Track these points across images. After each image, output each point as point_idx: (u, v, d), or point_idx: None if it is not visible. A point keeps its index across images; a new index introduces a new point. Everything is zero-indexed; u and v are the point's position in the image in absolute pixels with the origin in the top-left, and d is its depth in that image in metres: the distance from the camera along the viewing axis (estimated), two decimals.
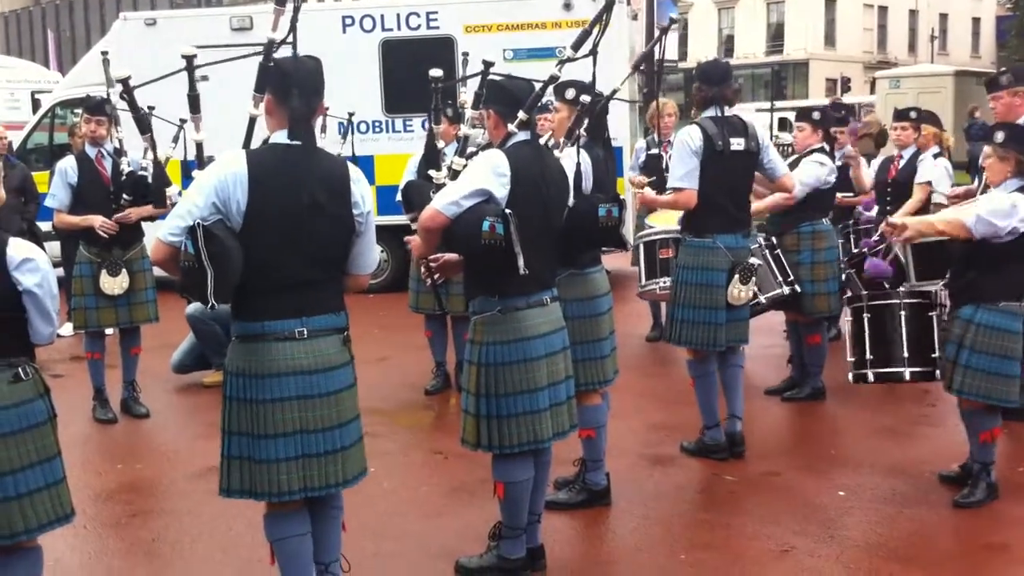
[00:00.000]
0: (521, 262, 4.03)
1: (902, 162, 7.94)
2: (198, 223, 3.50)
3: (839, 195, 8.13)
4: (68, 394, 7.04)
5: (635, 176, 9.17)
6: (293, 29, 4.00)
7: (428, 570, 4.68)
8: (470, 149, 5.47)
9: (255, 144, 3.91)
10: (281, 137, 3.72)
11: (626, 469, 5.86)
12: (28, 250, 3.63)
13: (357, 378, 3.89)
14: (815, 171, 6.97)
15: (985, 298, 5.12)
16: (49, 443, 3.70)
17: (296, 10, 4.14)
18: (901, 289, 6.13)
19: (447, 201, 4.17)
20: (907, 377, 5.86)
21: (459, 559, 4.65)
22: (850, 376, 6.04)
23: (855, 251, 7.37)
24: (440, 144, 6.74)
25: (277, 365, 3.66)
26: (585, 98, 4.91)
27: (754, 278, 5.90)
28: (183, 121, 7.45)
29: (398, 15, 11.86)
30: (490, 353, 4.28)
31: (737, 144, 5.75)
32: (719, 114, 5.81)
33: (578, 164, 4.79)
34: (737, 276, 5.76)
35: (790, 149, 8.34)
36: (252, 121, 4.05)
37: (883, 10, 56.40)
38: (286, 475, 3.67)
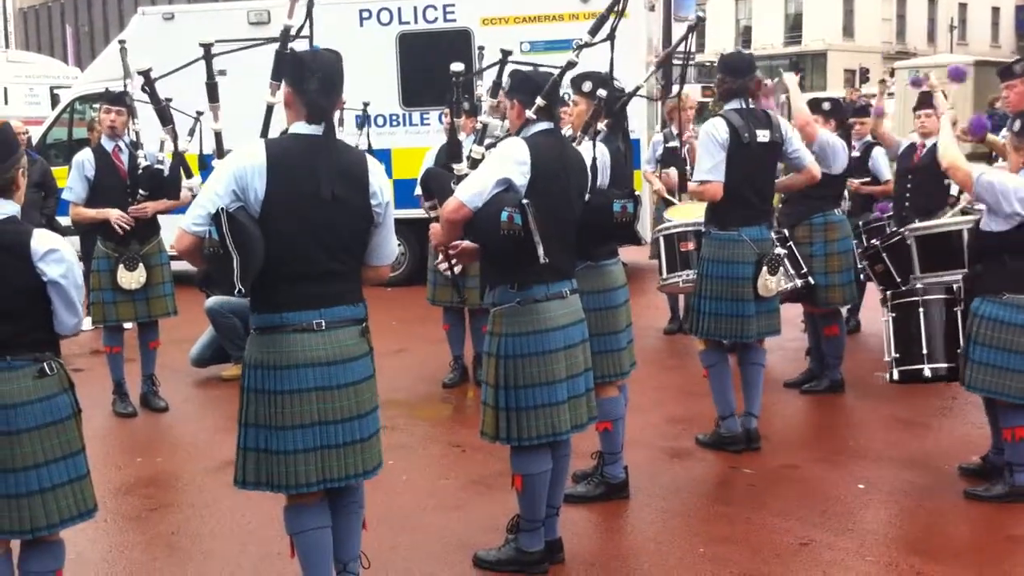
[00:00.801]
0: (541, 251, 4.03)
1: (924, 149, 7.88)
2: (222, 209, 3.51)
3: (855, 181, 8.10)
4: (88, 388, 7.04)
5: (650, 170, 9.14)
6: (309, 17, 4.00)
7: (446, 563, 4.69)
8: (488, 140, 5.46)
9: (273, 132, 3.91)
10: (300, 128, 3.72)
11: (644, 462, 5.85)
12: (53, 241, 3.65)
13: (376, 370, 3.90)
14: (832, 135, 6.88)
15: (990, 290, 5.08)
16: (73, 438, 3.72)
17: (310, 3, 4.14)
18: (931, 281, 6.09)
19: (471, 193, 4.17)
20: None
21: (477, 552, 4.66)
22: (895, 374, 5.89)
23: (868, 244, 7.33)
24: (463, 137, 6.73)
25: (295, 356, 3.67)
26: (602, 92, 4.90)
27: (782, 268, 5.88)
28: (199, 113, 7.46)
29: (415, 8, 11.86)
30: (509, 345, 4.28)
31: (763, 136, 5.73)
32: (743, 106, 5.78)
33: (594, 159, 4.78)
34: (765, 268, 5.75)
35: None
36: (269, 109, 4.06)
37: (901, 0, 56.05)
38: (304, 467, 3.68)
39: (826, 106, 7.22)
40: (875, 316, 6.40)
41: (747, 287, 5.75)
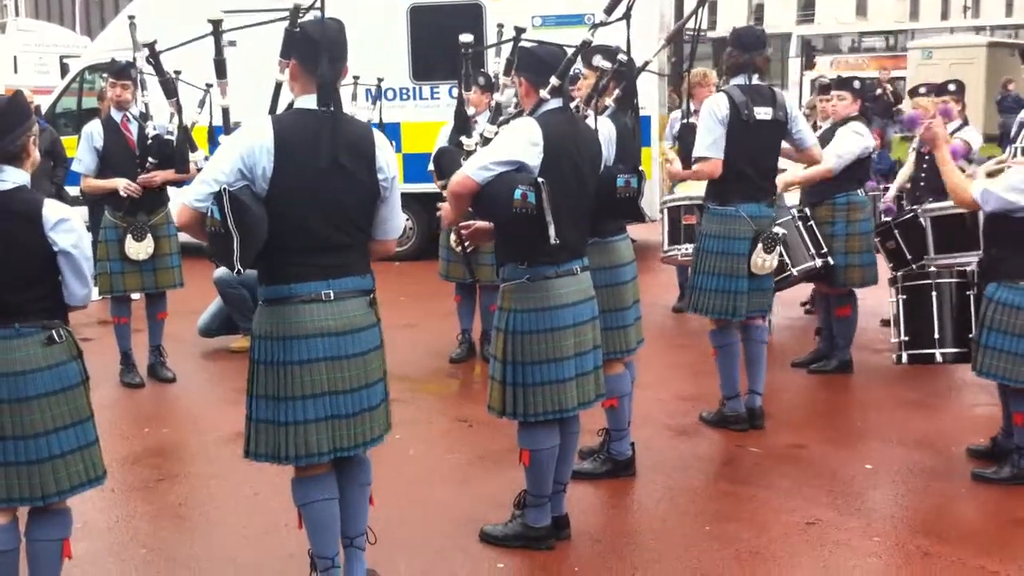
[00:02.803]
0: (552, 231, 4.01)
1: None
2: (225, 189, 3.51)
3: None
4: (95, 358, 7.03)
5: (668, 146, 9.10)
6: None
7: (453, 538, 4.69)
8: (502, 117, 5.43)
9: (281, 109, 3.89)
10: (306, 102, 3.70)
11: (651, 440, 5.85)
12: (63, 211, 3.65)
13: (384, 341, 3.89)
14: (854, 142, 6.87)
15: (1005, 276, 5.03)
16: (82, 405, 3.73)
17: None
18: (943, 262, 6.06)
19: (477, 166, 4.15)
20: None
21: (484, 527, 4.66)
22: (904, 356, 5.88)
23: (881, 221, 7.31)
24: (471, 111, 6.69)
25: (304, 327, 3.66)
26: (605, 63, 4.85)
27: (779, 247, 5.84)
28: (209, 86, 7.43)
29: None
30: (517, 320, 4.27)
31: (764, 113, 5.68)
32: (747, 82, 5.74)
33: (595, 132, 4.73)
34: (761, 245, 5.71)
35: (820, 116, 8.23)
36: (278, 87, 4.03)
37: None
38: (315, 436, 3.69)
39: (856, 84, 7.21)
40: (885, 295, 6.36)
41: (742, 263, 5.73)
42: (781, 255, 6.24)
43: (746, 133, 5.65)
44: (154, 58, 5.51)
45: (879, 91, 17.98)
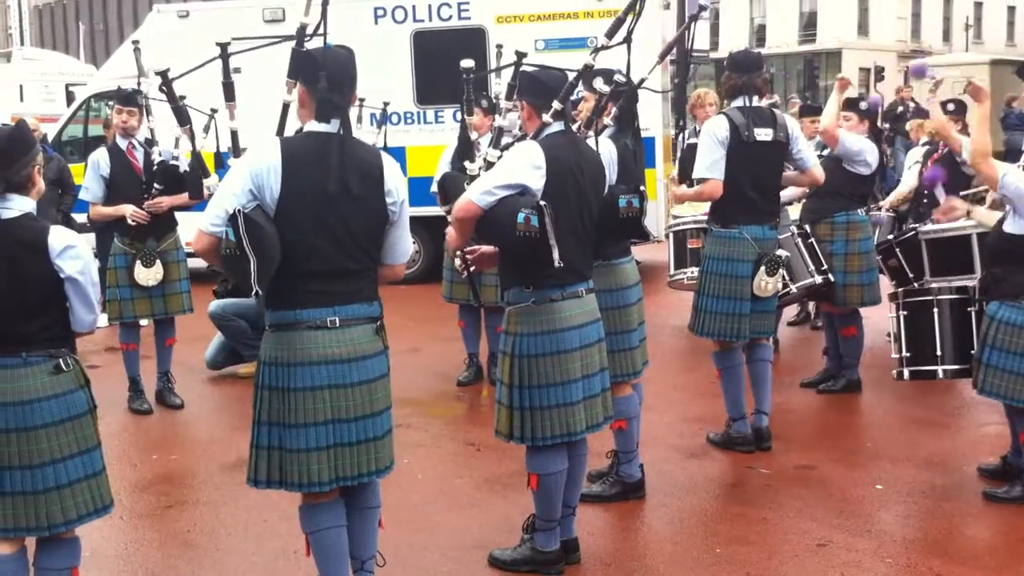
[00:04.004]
0: (556, 254, 4.01)
1: (945, 149, 7.83)
2: (238, 210, 3.51)
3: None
4: (103, 385, 7.05)
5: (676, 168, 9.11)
6: (324, 17, 3.99)
7: (462, 562, 4.67)
8: (505, 140, 5.44)
9: (289, 131, 3.90)
10: (315, 126, 3.71)
11: (660, 462, 5.83)
12: (69, 237, 3.66)
13: (391, 368, 3.89)
14: (858, 140, 6.86)
15: (1008, 294, 5.02)
16: (89, 434, 3.73)
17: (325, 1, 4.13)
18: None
19: (481, 191, 4.16)
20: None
21: (493, 551, 4.64)
22: (906, 373, 5.90)
23: (883, 240, 7.30)
24: (474, 135, 6.71)
25: (309, 354, 3.66)
26: (604, 87, 4.87)
27: (781, 270, 5.85)
28: (214, 111, 7.46)
29: (429, 6, 11.84)
30: (524, 344, 4.27)
31: (764, 135, 5.70)
32: (747, 104, 5.75)
33: (599, 154, 4.74)
34: (764, 267, 5.71)
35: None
36: (285, 107, 4.05)
37: None
38: (316, 465, 3.67)
39: (863, 106, 7.19)
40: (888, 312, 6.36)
41: (744, 286, 5.73)
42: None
43: (747, 154, 5.66)
44: (167, 85, 5.54)
45: (900, 108, 17.95)
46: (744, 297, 5.75)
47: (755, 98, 5.77)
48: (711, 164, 5.68)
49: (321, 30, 3.92)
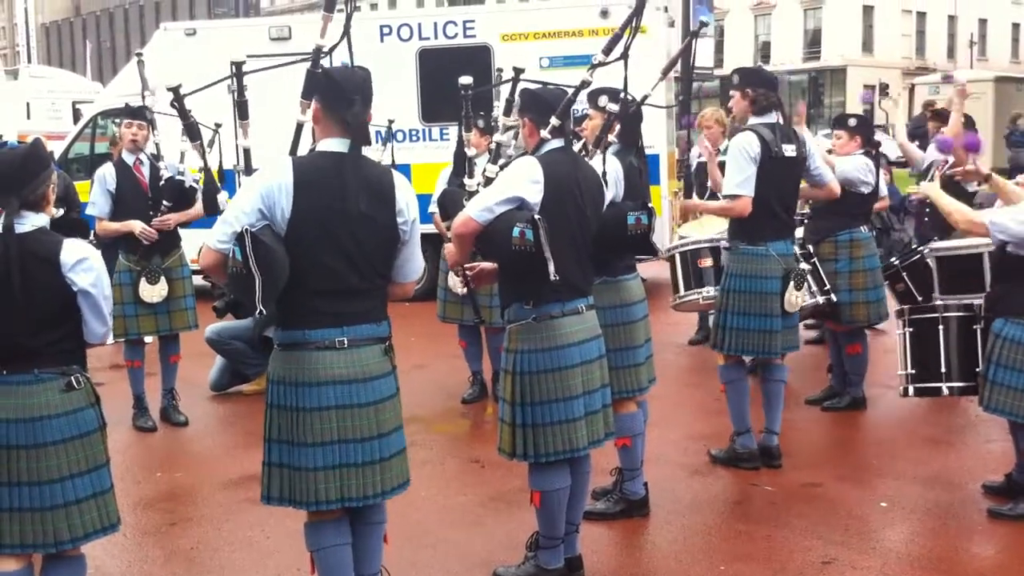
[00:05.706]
0: (552, 268, 4.02)
1: (946, 167, 7.84)
2: (246, 230, 3.52)
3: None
4: (108, 402, 7.00)
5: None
6: (347, 34, 4.01)
7: None
8: (502, 159, 5.47)
9: (302, 150, 3.92)
10: (327, 145, 3.72)
11: (665, 479, 5.82)
12: (82, 250, 3.67)
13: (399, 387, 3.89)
14: (853, 166, 6.87)
15: (1013, 311, 5.02)
16: (98, 452, 3.74)
17: (348, 17, 4.14)
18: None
19: (480, 207, 4.18)
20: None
21: (497, 569, 4.64)
22: (911, 390, 5.90)
23: (888, 263, 7.29)
24: (471, 153, 6.74)
25: (317, 374, 3.67)
26: (612, 106, 4.89)
27: (806, 283, 5.87)
28: (218, 126, 7.48)
29: (435, 24, 11.89)
30: (525, 361, 4.28)
31: (790, 150, 5.72)
32: (776, 120, 5.77)
33: (603, 172, 4.76)
34: (792, 282, 5.73)
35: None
36: (299, 127, 4.06)
37: (921, 16, 55.88)
38: (323, 484, 3.68)
39: (852, 122, 7.18)
40: (894, 329, 6.35)
41: (775, 302, 5.74)
42: None
43: (775, 171, 5.69)
44: (179, 101, 5.57)
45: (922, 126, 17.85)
46: (775, 314, 5.76)
47: (779, 115, 5.80)
48: (743, 181, 5.68)
49: (340, 49, 3.94)
